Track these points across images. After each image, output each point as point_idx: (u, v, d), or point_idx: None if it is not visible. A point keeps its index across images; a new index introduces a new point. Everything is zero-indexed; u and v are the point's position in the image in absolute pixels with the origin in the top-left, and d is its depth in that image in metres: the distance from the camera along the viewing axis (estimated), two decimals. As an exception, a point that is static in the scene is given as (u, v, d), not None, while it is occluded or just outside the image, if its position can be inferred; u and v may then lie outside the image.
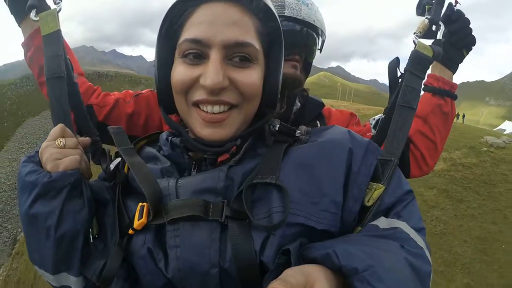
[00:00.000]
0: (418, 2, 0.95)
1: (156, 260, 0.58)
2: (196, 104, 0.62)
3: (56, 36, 0.76)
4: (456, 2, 0.97)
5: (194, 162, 0.67)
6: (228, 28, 0.58)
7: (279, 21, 0.65)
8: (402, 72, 0.83)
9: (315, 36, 1.15)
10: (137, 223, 0.58)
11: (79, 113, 0.82)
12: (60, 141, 0.65)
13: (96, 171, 0.76)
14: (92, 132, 0.82)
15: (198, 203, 0.58)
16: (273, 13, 0.64)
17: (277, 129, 0.68)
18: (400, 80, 0.83)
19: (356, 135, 0.66)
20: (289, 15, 1.07)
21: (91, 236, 0.64)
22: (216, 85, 0.57)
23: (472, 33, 0.99)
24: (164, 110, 0.69)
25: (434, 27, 0.93)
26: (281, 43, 0.67)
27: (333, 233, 0.57)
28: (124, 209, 0.64)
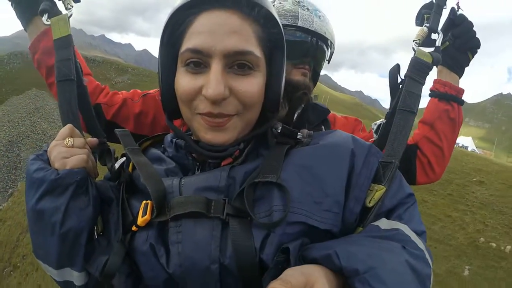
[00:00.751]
0: (417, 13, 0.96)
1: (158, 256, 0.58)
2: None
3: (67, 40, 0.79)
4: (459, 7, 0.97)
5: (198, 164, 0.69)
6: (228, 37, 0.59)
7: (281, 27, 0.65)
8: (402, 78, 0.85)
9: (325, 47, 1.21)
10: (140, 220, 0.59)
11: (87, 115, 0.85)
12: (69, 141, 0.66)
13: (103, 172, 0.77)
14: (99, 133, 0.84)
15: (200, 200, 0.59)
16: (275, 19, 0.64)
17: (279, 131, 0.68)
18: (400, 85, 0.86)
19: (358, 139, 0.66)
20: (301, 25, 1.13)
21: (95, 234, 0.66)
22: (217, 96, 0.58)
23: (476, 36, 0.99)
24: (168, 117, 0.71)
25: (433, 35, 0.94)
26: (283, 49, 0.67)
27: (334, 234, 0.57)
28: (128, 207, 0.65)
